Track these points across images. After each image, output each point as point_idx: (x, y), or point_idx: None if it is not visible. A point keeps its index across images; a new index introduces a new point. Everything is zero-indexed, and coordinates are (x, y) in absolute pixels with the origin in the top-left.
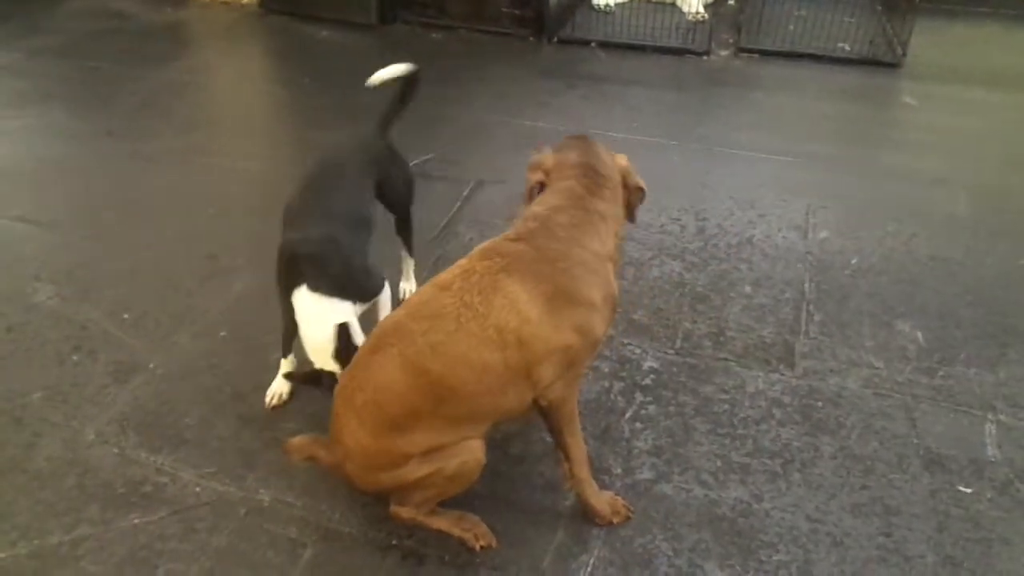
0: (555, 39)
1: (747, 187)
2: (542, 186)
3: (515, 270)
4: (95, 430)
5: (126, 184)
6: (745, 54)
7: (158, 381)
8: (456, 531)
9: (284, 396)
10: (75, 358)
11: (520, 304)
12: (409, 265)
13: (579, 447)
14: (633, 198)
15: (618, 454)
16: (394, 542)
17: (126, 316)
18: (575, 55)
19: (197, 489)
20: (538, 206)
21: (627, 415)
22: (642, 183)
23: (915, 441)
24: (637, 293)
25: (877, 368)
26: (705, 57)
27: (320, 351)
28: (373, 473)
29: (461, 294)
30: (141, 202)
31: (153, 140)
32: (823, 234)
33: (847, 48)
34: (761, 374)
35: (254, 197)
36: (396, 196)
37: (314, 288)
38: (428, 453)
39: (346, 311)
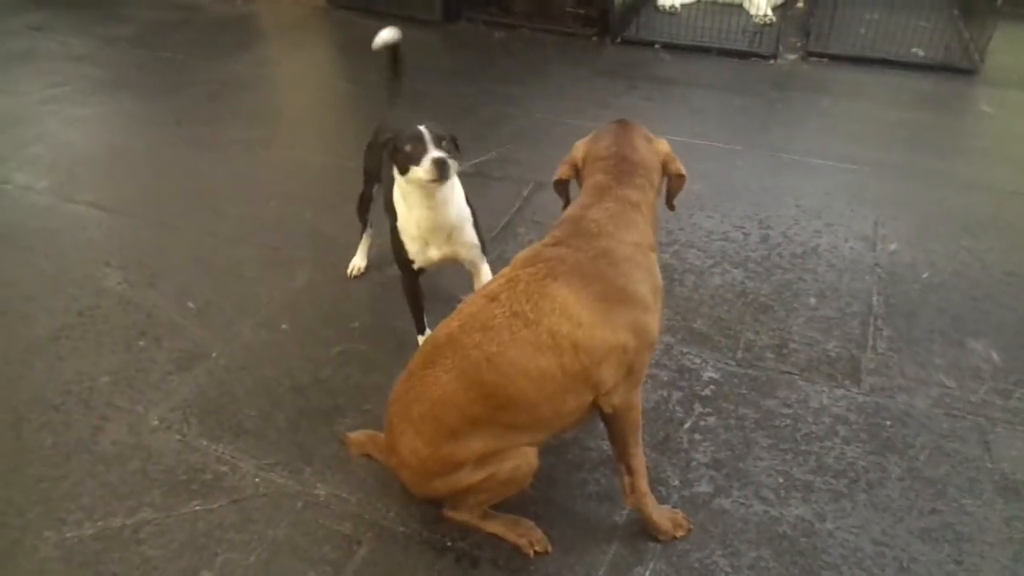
0: (619, 39)
1: (813, 195)
2: (569, 181)
3: (560, 274)
4: (158, 416)
5: (192, 173)
6: (814, 58)
7: (220, 371)
8: (511, 536)
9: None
10: (141, 344)
11: (570, 308)
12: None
13: (641, 459)
14: (673, 185)
15: (676, 465)
16: (448, 543)
17: (190, 304)
18: (638, 56)
19: (256, 480)
20: (572, 208)
21: (686, 426)
22: (682, 170)
23: (989, 465)
24: (698, 301)
25: (948, 387)
26: (772, 61)
27: None
28: (428, 480)
29: (510, 303)
30: (206, 191)
31: (220, 130)
32: (892, 246)
33: (921, 53)
34: (826, 389)
35: (316, 190)
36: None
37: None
38: (482, 459)
39: None
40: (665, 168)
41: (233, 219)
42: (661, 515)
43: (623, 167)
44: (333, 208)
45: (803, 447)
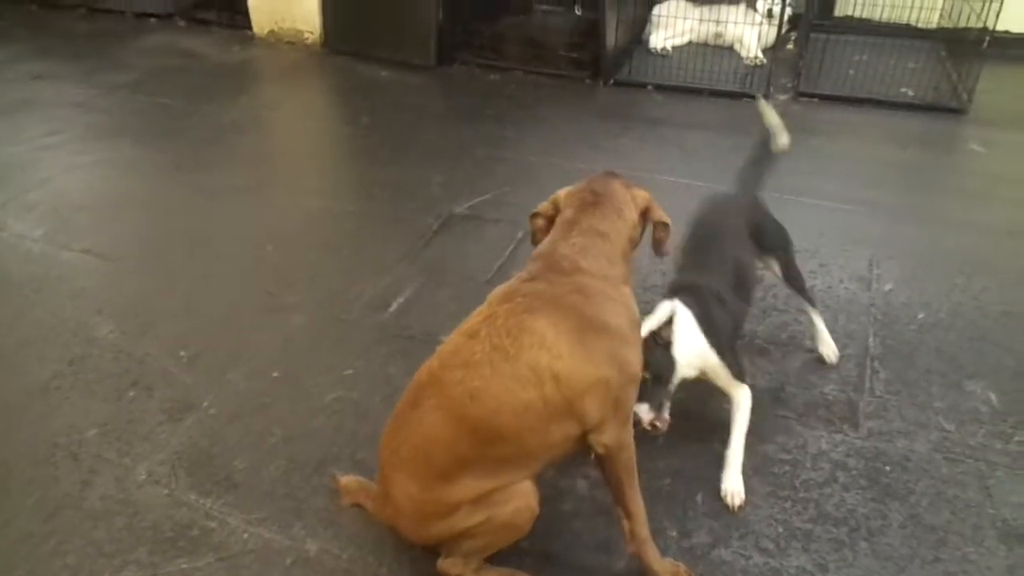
0: (612, 81)
1: (807, 236)
2: (542, 214)
3: (537, 308)
4: (147, 469)
5: (190, 218)
6: (804, 98)
7: (211, 421)
8: None
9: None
10: (132, 394)
11: (548, 340)
12: (817, 323)
13: (639, 503)
14: (658, 233)
15: (673, 515)
16: None
17: (183, 353)
18: (631, 98)
19: (244, 536)
20: (543, 244)
21: (682, 473)
22: (665, 217)
23: (991, 511)
24: None
25: (948, 431)
26: (763, 102)
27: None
28: (425, 524)
29: (489, 339)
30: (204, 236)
31: (218, 175)
32: (888, 286)
33: (910, 93)
34: (824, 434)
35: (313, 234)
36: (778, 247)
37: (687, 304)
38: (479, 499)
39: (700, 346)
40: (646, 215)
41: (229, 264)
42: (663, 565)
43: (590, 199)
44: (329, 252)
45: (802, 494)
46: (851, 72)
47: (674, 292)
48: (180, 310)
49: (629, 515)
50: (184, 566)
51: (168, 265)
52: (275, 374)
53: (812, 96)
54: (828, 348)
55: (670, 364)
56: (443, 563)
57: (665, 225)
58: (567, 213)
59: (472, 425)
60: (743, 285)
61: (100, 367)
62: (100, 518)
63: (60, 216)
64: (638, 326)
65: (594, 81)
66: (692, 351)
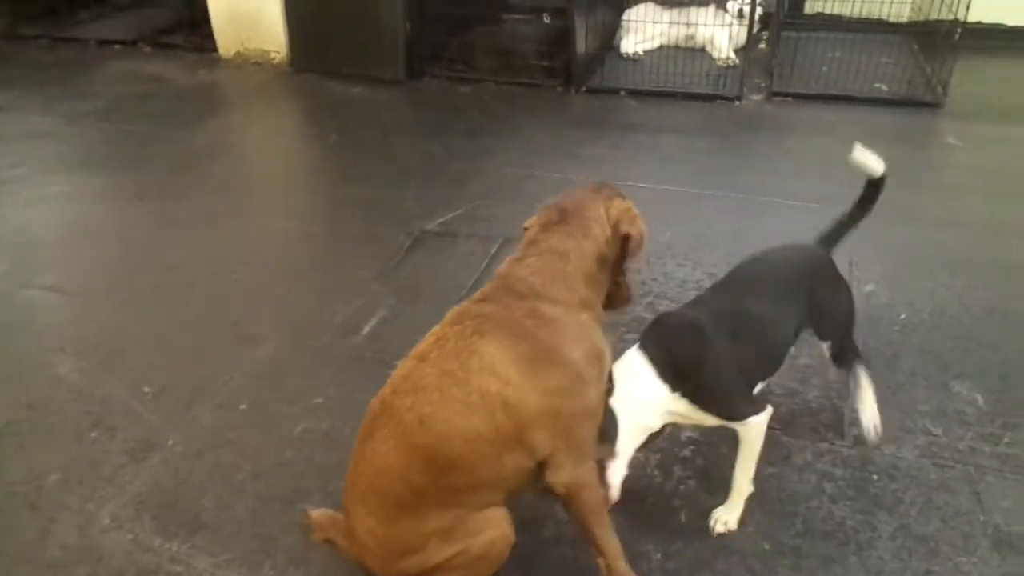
0: (584, 88)
1: (785, 237)
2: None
3: (487, 331)
4: (110, 514)
5: (156, 249)
6: (778, 98)
7: (176, 459)
8: None
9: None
10: (93, 435)
11: (498, 366)
12: (865, 385)
13: (611, 539)
14: (627, 245)
15: (656, 536)
16: None
17: (147, 389)
18: (605, 104)
19: None
20: (504, 263)
21: (664, 491)
22: (635, 228)
23: (981, 518)
24: None
25: (935, 435)
26: (737, 102)
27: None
28: (392, 560)
29: (439, 363)
30: (170, 267)
31: (184, 202)
32: (868, 287)
33: (884, 88)
34: (809, 444)
35: (282, 258)
36: (832, 327)
37: (642, 347)
38: (448, 532)
39: (654, 392)
40: (617, 227)
41: (195, 294)
42: None
43: (554, 217)
44: (299, 276)
45: (789, 508)
46: (824, 69)
47: (647, 329)
48: (145, 344)
49: (602, 553)
50: None
51: (133, 298)
52: (242, 406)
53: (786, 95)
54: (870, 418)
55: (610, 418)
56: None
57: (628, 236)
58: (531, 231)
59: (424, 454)
60: (763, 349)
61: (61, 409)
62: (60, 569)
63: (20, 252)
64: (600, 357)
65: (566, 89)
66: (644, 399)
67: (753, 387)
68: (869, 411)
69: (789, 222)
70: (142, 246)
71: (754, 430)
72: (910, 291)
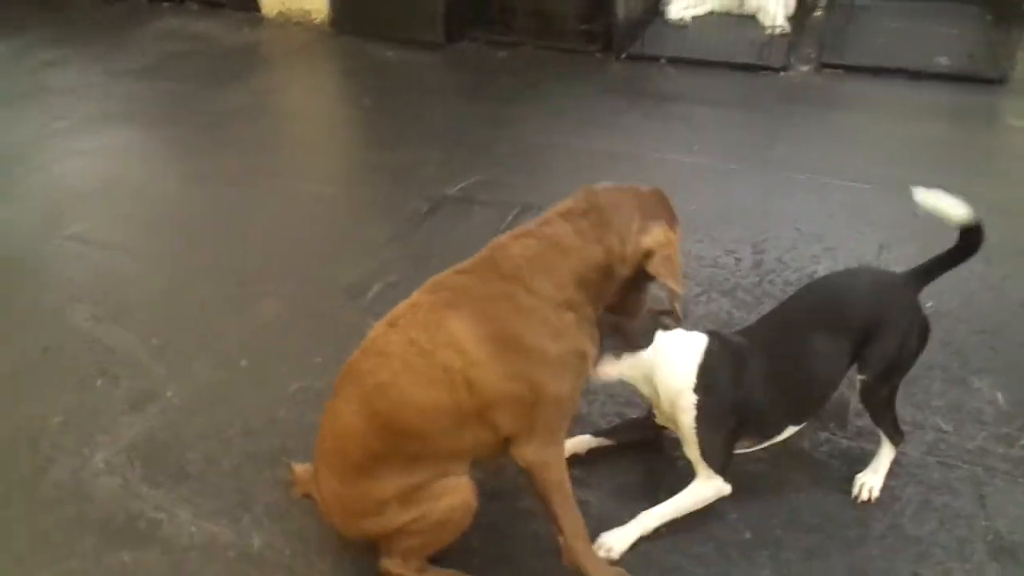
0: (624, 55)
1: (816, 217)
2: None
3: (459, 305)
4: (104, 459)
5: (179, 204)
6: (828, 69)
7: (173, 411)
8: None
9: None
10: (99, 383)
11: (464, 343)
12: (884, 456)
13: (571, 517)
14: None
15: (631, 517)
16: None
17: (154, 341)
18: (643, 72)
19: (192, 529)
20: (503, 235)
21: (650, 470)
22: (672, 282)
23: (983, 523)
24: None
25: (945, 432)
26: (782, 73)
27: None
28: (355, 521)
29: (407, 330)
30: (189, 223)
31: (213, 160)
32: (896, 271)
33: (944, 62)
34: (807, 432)
35: (301, 219)
36: (878, 360)
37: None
38: (408, 496)
39: (680, 375)
40: (647, 260)
41: (211, 251)
42: (605, 575)
43: (581, 206)
44: (315, 237)
45: (777, 497)
46: (881, 40)
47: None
48: (157, 297)
49: (561, 531)
50: (127, 558)
51: (151, 251)
52: (243, 362)
53: (836, 67)
54: (873, 483)
55: (639, 336)
56: (385, 562)
57: (673, 291)
58: (551, 211)
59: (381, 419)
60: (804, 388)
61: (72, 355)
62: (51, 506)
63: (54, 203)
64: (581, 357)
65: (606, 55)
66: (673, 376)
67: (784, 429)
68: (873, 476)
69: (821, 201)
70: (166, 201)
71: (704, 491)
72: (942, 278)
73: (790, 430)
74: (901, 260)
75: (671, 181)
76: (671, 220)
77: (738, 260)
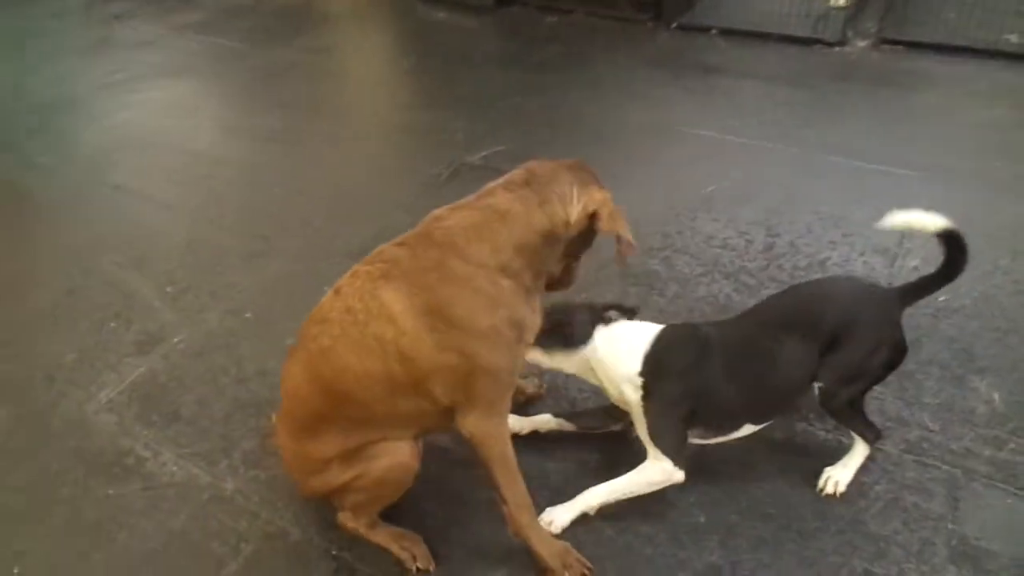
0: (675, 25)
1: (839, 201)
2: None
3: (393, 276)
4: (107, 397)
5: (212, 158)
6: (887, 45)
7: (176, 356)
8: (394, 548)
9: None
10: (112, 325)
11: (395, 315)
12: (858, 453)
13: (514, 488)
14: (617, 245)
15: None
16: (334, 552)
17: (169, 289)
18: (691, 43)
19: (173, 468)
20: (442, 208)
21: (613, 449)
22: (620, 230)
23: (950, 526)
24: (672, 313)
25: (930, 431)
26: (838, 48)
27: None
28: (303, 478)
29: (346, 299)
30: (219, 177)
31: (251, 117)
32: (914, 262)
33: (1014, 40)
34: (784, 421)
35: (323, 179)
36: (836, 367)
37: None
38: (348, 457)
39: (626, 364)
40: (594, 220)
41: (232, 205)
42: (549, 549)
43: (519, 176)
44: (333, 197)
45: (738, 485)
46: (947, 15)
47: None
48: (178, 248)
49: (504, 500)
50: (111, 492)
51: (181, 204)
52: (247, 314)
53: (897, 43)
54: (840, 477)
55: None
56: (340, 516)
57: (622, 239)
58: (488, 185)
59: (321, 383)
60: (764, 391)
61: (93, 298)
62: (56, 438)
63: (100, 153)
64: (517, 324)
65: (656, 24)
66: (618, 364)
67: (741, 426)
68: (842, 471)
69: (850, 186)
70: (202, 155)
71: (656, 473)
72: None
73: (748, 428)
74: (919, 253)
75: (698, 158)
76: (599, 183)
77: (749, 242)
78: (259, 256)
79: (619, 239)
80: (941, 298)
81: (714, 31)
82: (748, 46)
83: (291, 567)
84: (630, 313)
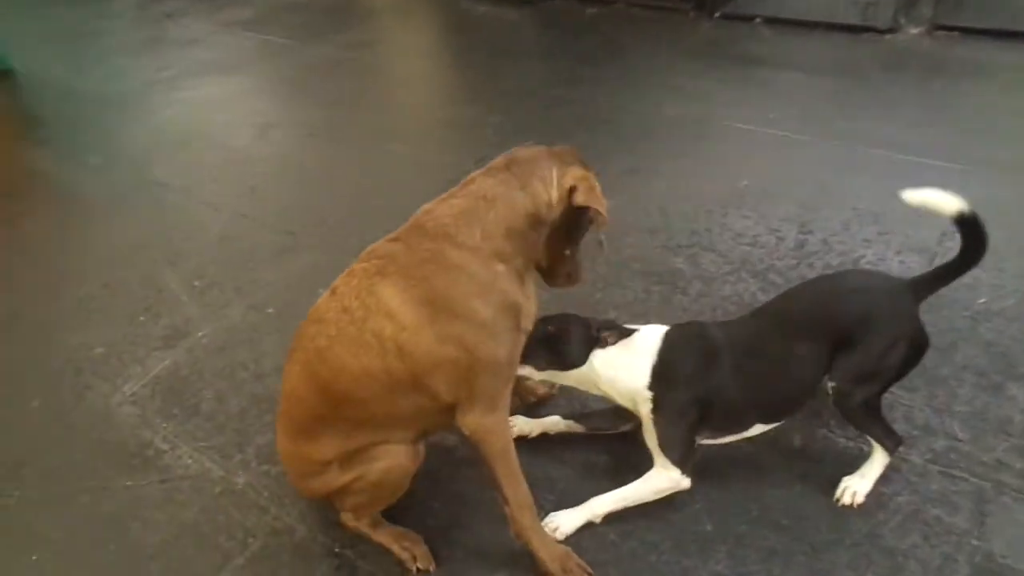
0: (718, 14)
1: (877, 197)
2: None
3: (389, 272)
4: (131, 389)
5: (251, 155)
6: (941, 32)
7: (200, 350)
8: (395, 548)
9: None
10: (142, 318)
11: (394, 309)
12: (877, 461)
13: (516, 488)
14: (591, 219)
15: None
16: (336, 550)
17: (196, 283)
18: (734, 33)
19: (189, 461)
20: (431, 202)
21: (622, 452)
22: (595, 202)
23: (974, 542)
24: (696, 312)
25: (959, 440)
26: (888, 35)
27: None
28: (302, 479)
29: (342, 298)
30: (261, 174)
31: (290, 114)
32: None
33: None
34: (804, 427)
35: (353, 175)
36: (849, 367)
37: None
38: (347, 459)
39: (633, 378)
40: (572, 194)
41: (264, 202)
42: (550, 552)
43: (500, 163)
44: (360, 194)
45: (751, 492)
46: None
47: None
48: (210, 242)
49: (505, 500)
50: (129, 483)
51: (217, 200)
52: (270, 310)
53: (953, 29)
54: (858, 487)
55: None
56: (342, 516)
57: (595, 210)
58: (473, 173)
59: (319, 383)
60: (776, 391)
61: (125, 291)
62: (80, 430)
63: (144, 150)
64: (513, 309)
65: (698, 13)
66: (624, 381)
67: (750, 426)
68: (860, 481)
69: (891, 181)
70: (244, 152)
71: (663, 482)
72: (1005, 272)
73: (759, 428)
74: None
75: (732, 152)
76: (582, 162)
77: (780, 239)
78: (287, 252)
79: (595, 213)
80: (980, 300)
81: (758, 20)
82: (794, 35)
83: (295, 563)
84: (627, 333)
